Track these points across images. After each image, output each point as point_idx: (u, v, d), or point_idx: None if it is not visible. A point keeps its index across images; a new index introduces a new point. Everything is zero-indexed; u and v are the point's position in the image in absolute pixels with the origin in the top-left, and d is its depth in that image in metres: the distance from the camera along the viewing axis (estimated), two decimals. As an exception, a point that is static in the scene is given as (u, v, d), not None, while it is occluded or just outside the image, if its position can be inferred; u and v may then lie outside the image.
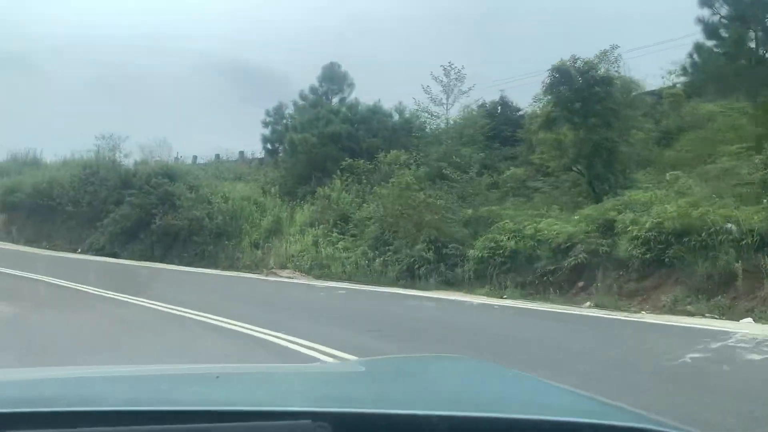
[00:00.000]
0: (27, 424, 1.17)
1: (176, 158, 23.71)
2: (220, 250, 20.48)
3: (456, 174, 17.55)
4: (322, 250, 17.96)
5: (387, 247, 17.02)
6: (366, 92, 33.72)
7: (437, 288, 14.75)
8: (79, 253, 22.46)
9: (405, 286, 15.40)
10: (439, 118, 23.08)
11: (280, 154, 28.90)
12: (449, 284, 15.15)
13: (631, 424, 1.38)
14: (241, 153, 28.48)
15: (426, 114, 23.71)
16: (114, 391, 1.62)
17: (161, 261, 20.60)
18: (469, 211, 16.86)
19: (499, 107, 24.47)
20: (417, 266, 15.81)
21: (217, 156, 27.41)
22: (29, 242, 24.12)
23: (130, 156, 24.62)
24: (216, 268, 19.71)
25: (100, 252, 21.98)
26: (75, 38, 67.52)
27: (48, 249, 22.84)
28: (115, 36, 67.67)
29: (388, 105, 25.97)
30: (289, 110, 29.86)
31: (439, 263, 15.63)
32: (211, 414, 1.23)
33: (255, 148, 29.68)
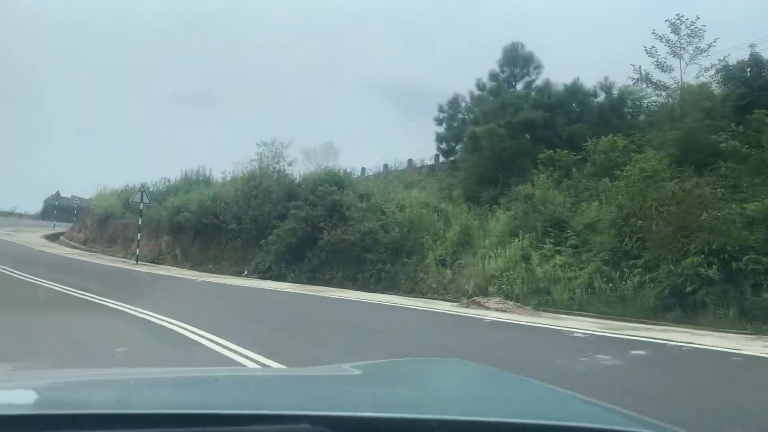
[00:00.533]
0: (28, 427, 1.14)
1: (344, 170, 20.57)
2: (399, 270, 16.82)
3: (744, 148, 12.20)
4: (536, 267, 13.49)
5: (632, 261, 12.17)
6: (556, 73, 28.64)
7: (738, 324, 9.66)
8: (245, 276, 20.13)
9: (676, 321, 10.44)
10: (667, 89, 17.70)
11: (457, 154, 25.11)
12: (749, 316, 9.98)
13: (631, 429, 1.38)
14: (410, 161, 24.93)
15: (646, 86, 18.47)
16: (113, 394, 1.64)
17: (331, 283, 17.45)
18: (754, 205, 11.45)
19: (749, 70, 18.26)
20: (689, 289, 10.80)
21: (386, 166, 24.06)
22: (195, 265, 22.43)
23: (294, 164, 21.99)
24: (396, 292, 16.08)
25: (266, 274, 19.42)
26: (248, 73, 72.05)
27: (213, 273, 20.81)
28: (283, 66, 70.83)
29: (589, 83, 20.92)
30: (466, 103, 26.06)
31: (727, 284, 10.50)
32: (210, 417, 1.22)
33: (424, 156, 26.11)
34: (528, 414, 1.45)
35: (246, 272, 20.59)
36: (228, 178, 25.08)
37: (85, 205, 37.46)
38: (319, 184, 19.60)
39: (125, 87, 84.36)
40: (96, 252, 28.05)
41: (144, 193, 22.82)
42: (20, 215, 56.52)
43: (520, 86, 24.02)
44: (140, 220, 23.30)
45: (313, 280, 18.12)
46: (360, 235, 17.60)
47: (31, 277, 13.34)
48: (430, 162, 25.91)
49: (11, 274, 14.04)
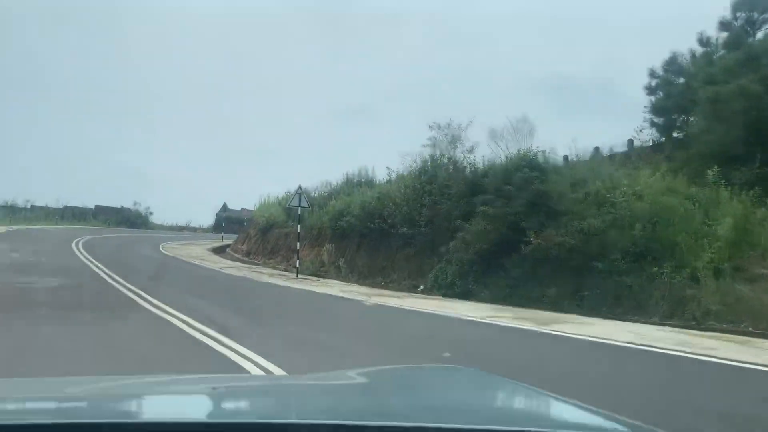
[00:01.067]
0: None
1: (543, 153, 15.59)
2: (646, 284, 11.59)
3: None
4: None
5: None
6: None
7: None
8: (421, 291, 16.01)
9: None
10: None
11: (684, 127, 19.07)
12: None
13: None
14: (630, 141, 19.20)
15: None
16: (112, 403, 1.62)
17: (541, 304, 12.66)
18: None
19: None
20: None
21: (596, 149, 18.61)
22: (361, 278, 18.81)
23: (476, 149, 17.48)
24: (647, 317, 10.90)
25: (448, 290, 15.12)
26: (405, 84, 70.66)
27: (383, 287, 16.93)
28: (433, 72, 68.28)
29: None
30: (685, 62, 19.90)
31: None
32: (209, 426, 1.23)
33: (615, 141, 20.22)
34: (528, 422, 1.44)
35: (422, 287, 16.47)
36: (393, 177, 21.29)
37: (252, 217, 36.20)
38: (514, 171, 14.91)
39: (287, 104, 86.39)
40: (257, 264, 25.76)
41: (301, 196, 19.68)
42: (194, 229, 58.24)
43: (760, 35, 17.56)
44: (299, 227, 20.22)
45: (513, 299, 13.44)
46: (581, 236, 12.63)
47: (161, 304, 10.20)
48: (650, 142, 19.95)
49: (138, 299, 11.07)
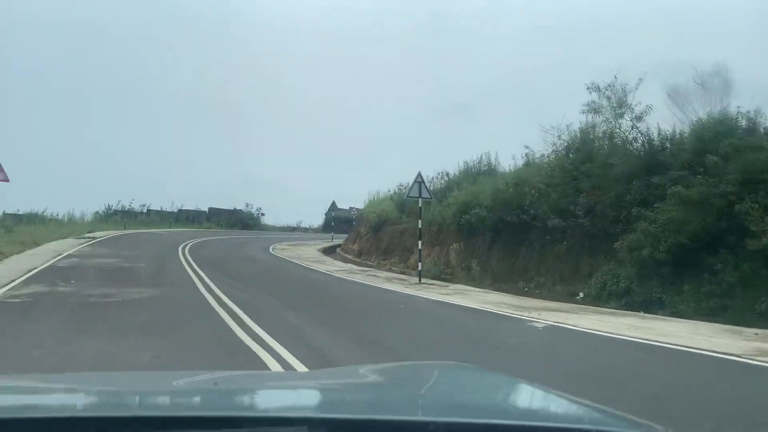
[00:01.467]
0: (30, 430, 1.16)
1: (750, 113, 11.50)
2: None
3: None
4: None
5: None
6: None
7: None
8: (580, 300, 12.46)
9: None
10: None
11: None
12: None
13: (621, 428, 1.37)
14: None
15: None
16: (113, 398, 1.63)
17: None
18: None
19: None
20: None
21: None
22: (497, 282, 15.48)
23: (646, 116, 13.54)
24: None
25: (623, 300, 11.46)
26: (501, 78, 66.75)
27: (529, 295, 13.51)
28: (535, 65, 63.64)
29: None
30: None
31: None
32: (209, 420, 1.23)
33: None
34: (525, 416, 1.44)
35: (581, 294, 12.89)
36: (532, 158, 17.66)
37: (361, 215, 33.79)
38: (712, 139, 10.97)
39: (389, 103, 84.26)
40: (370, 265, 23.09)
41: (422, 185, 16.60)
42: (305, 229, 57.17)
43: None
44: (419, 222, 17.18)
45: (727, 314, 9.61)
46: None
47: (264, 335, 7.45)
48: None
49: (234, 324, 8.40)
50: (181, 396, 1.69)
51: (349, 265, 22.80)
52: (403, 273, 19.49)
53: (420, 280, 16.10)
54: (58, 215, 37.39)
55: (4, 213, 34.96)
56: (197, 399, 1.64)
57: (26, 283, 11.97)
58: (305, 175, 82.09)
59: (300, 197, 74.62)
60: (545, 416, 1.52)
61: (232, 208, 53.69)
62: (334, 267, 20.94)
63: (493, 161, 23.12)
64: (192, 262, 18.44)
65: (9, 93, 66.59)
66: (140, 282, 13.04)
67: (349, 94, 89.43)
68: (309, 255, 27.30)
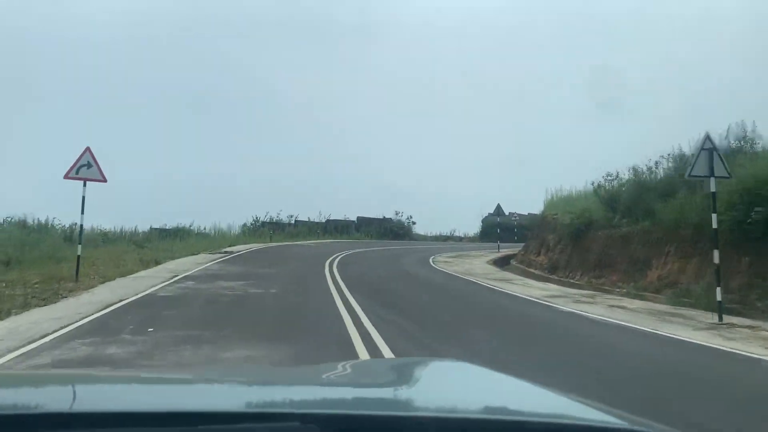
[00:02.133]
0: (33, 426, 1.13)
1: None
2: None
3: None
4: None
5: None
6: None
7: None
8: None
9: None
10: None
11: None
12: None
13: (618, 425, 1.31)
14: None
15: None
16: (105, 394, 1.61)
17: None
18: None
19: None
20: None
21: None
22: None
23: None
24: None
25: None
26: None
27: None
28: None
29: None
30: None
31: None
32: (200, 416, 1.19)
33: None
34: (518, 413, 1.42)
35: None
36: None
37: (541, 220, 26.89)
38: None
39: (532, 107, 76.13)
40: (578, 285, 16.58)
41: (713, 155, 9.69)
42: (459, 238, 51.48)
43: None
44: (714, 219, 10.04)
45: None
46: None
47: None
48: None
49: None
50: (193, 392, 1.62)
51: (552, 286, 16.37)
52: (653, 300, 12.80)
53: (721, 319, 9.39)
54: (204, 229, 35.00)
55: (151, 228, 33.47)
56: (209, 395, 1.60)
57: (71, 336, 7.11)
58: (453, 182, 76.16)
59: (449, 204, 68.65)
60: (545, 414, 1.39)
61: (381, 216, 49.33)
62: (535, 290, 14.65)
63: (748, 131, 15.58)
64: (341, 284, 13.19)
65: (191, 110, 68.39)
66: (258, 325, 7.93)
67: (489, 94, 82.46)
68: (482, 270, 21.30)
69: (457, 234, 52.86)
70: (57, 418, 1.14)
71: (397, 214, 49.81)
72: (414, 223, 50.61)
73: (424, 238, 49.05)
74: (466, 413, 1.34)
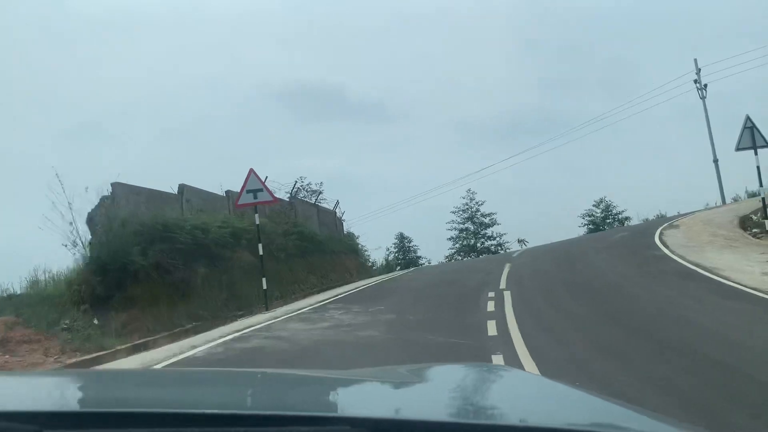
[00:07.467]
0: (66, 424, 1.17)
1: None
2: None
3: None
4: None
5: None
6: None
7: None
8: None
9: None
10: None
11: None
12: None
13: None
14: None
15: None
16: (149, 393, 1.64)
17: None
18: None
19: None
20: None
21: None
22: None
23: None
24: None
25: None
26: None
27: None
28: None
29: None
30: None
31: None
32: (247, 418, 1.21)
33: None
34: (561, 421, 1.36)
35: None
36: None
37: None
38: None
39: None
40: None
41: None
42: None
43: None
44: None
45: None
46: None
47: None
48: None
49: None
50: (225, 394, 1.65)
51: None
52: None
53: None
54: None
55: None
56: (239, 396, 1.62)
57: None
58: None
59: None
60: (580, 421, 1.39)
61: None
62: None
63: None
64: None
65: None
66: None
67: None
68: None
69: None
70: (91, 417, 1.18)
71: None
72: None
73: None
74: (513, 421, 1.33)
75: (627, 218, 45.25)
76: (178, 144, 60.05)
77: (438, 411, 1.43)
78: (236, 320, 13.20)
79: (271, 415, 1.23)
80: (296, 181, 22.52)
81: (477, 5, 77.79)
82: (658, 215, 33.94)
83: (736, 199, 30.51)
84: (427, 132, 79.16)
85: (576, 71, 78.19)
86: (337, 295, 16.18)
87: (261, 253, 14.35)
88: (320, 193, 26.31)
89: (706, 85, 35.23)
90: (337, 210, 27.71)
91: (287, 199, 21.99)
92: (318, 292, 18.49)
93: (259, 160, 65.66)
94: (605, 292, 11.12)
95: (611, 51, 76.88)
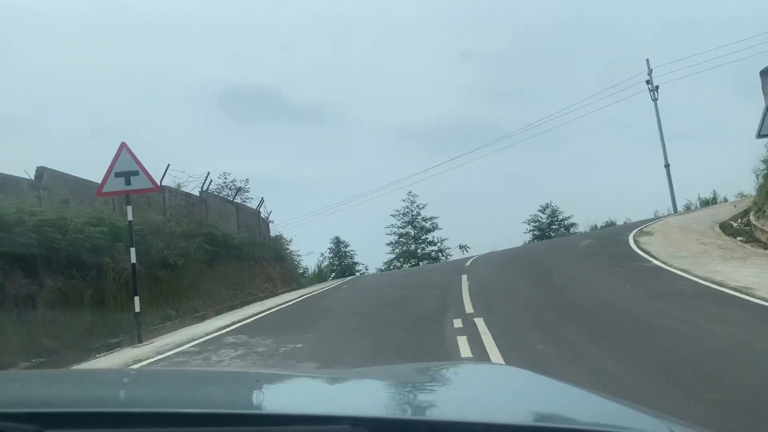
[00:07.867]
0: (76, 424, 1.14)
1: None
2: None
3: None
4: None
5: None
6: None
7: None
8: None
9: None
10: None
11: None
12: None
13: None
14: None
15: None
16: (151, 393, 1.62)
17: None
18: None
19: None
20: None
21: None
22: None
23: None
24: None
25: None
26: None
27: None
28: None
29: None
30: None
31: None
32: (249, 417, 1.20)
33: None
34: (570, 420, 1.36)
35: None
36: None
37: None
38: None
39: None
40: None
41: None
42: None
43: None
44: None
45: None
46: None
47: None
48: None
49: None
50: (225, 393, 1.62)
51: None
52: None
53: None
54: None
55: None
56: (240, 396, 1.60)
57: None
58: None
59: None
60: (589, 422, 1.34)
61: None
62: None
63: None
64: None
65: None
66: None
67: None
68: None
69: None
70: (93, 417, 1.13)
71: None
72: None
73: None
74: (517, 420, 1.28)
75: (573, 224, 43.50)
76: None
77: (439, 410, 1.43)
78: (97, 357, 9.34)
79: (272, 414, 1.25)
80: (208, 173, 18.58)
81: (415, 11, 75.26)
82: (607, 222, 32.54)
83: (688, 207, 29.50)
84: (366, 136, 76.53)
85: (518, 78, 77.32)
86: (246, 318, 12.31)
87: (134, 260, 10.29)
88: (245, 191, 22.57)
89: (657, 87, 34.07)
90: (261, 210, 23.97)
91: (198, 194, 18.19)
92: (228, 310, 14.72)
93: (187, 162, 61.08)
94: (622, 324, 7.80)
95: (555, 57, 76.23)
